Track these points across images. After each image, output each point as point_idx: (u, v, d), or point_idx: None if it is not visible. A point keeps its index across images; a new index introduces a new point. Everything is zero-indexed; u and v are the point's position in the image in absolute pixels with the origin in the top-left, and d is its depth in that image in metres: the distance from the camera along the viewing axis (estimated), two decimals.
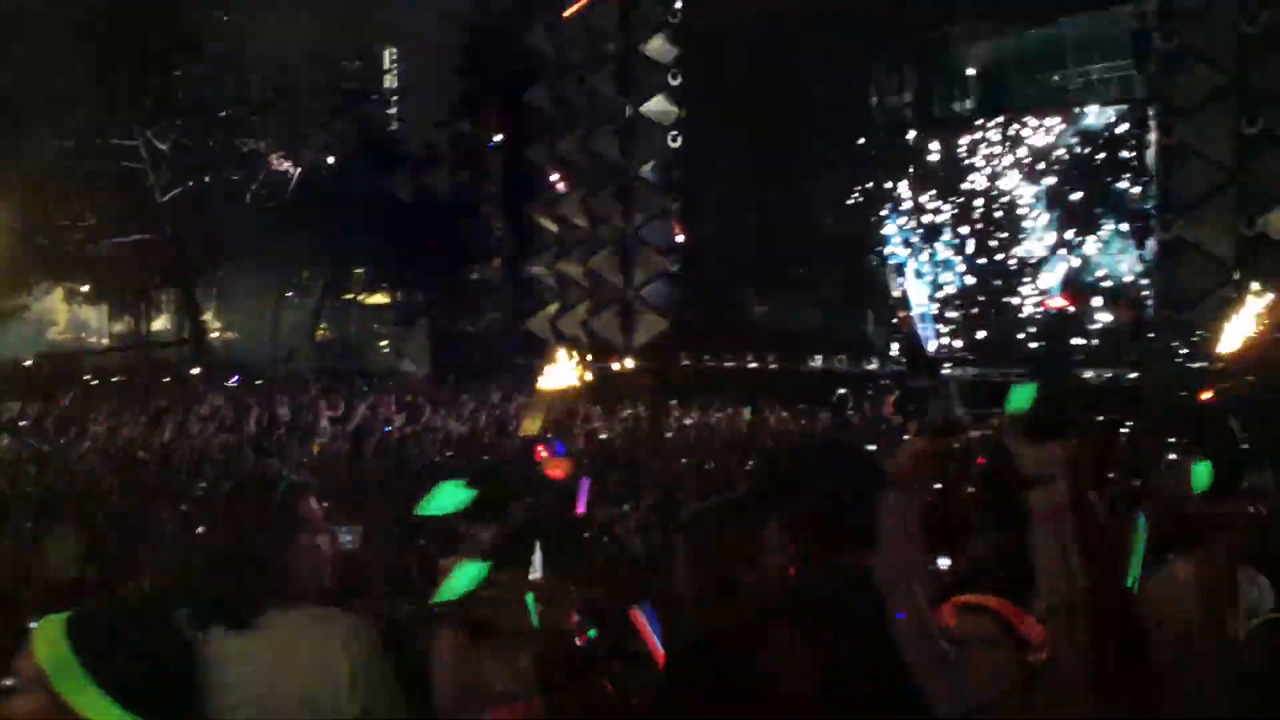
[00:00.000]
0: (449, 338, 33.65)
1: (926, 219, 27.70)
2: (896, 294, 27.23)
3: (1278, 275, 19.76)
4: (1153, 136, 22.01)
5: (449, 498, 3.74)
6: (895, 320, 26.67)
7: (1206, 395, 10.43)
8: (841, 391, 21.18)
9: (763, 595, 3.23)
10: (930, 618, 3.00)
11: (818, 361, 25.95)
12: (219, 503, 3.56)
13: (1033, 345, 25.10)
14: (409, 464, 12.72)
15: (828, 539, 3.14)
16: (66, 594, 7.69)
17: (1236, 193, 20.38)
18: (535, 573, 4.79)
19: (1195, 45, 20.74)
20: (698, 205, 31.18)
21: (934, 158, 27.60)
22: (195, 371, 30.12)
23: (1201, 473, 4.37)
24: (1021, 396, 3.27)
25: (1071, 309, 24.48)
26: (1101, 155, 24.60)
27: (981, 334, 26.46)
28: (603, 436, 15.56)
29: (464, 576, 3.23)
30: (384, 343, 37.58)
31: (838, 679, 2.97)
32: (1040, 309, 25.36)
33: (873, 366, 25.02)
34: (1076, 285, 25.14)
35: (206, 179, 33.94)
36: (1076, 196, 25.05)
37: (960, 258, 27.12)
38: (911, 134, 28.57)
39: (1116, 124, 24.38)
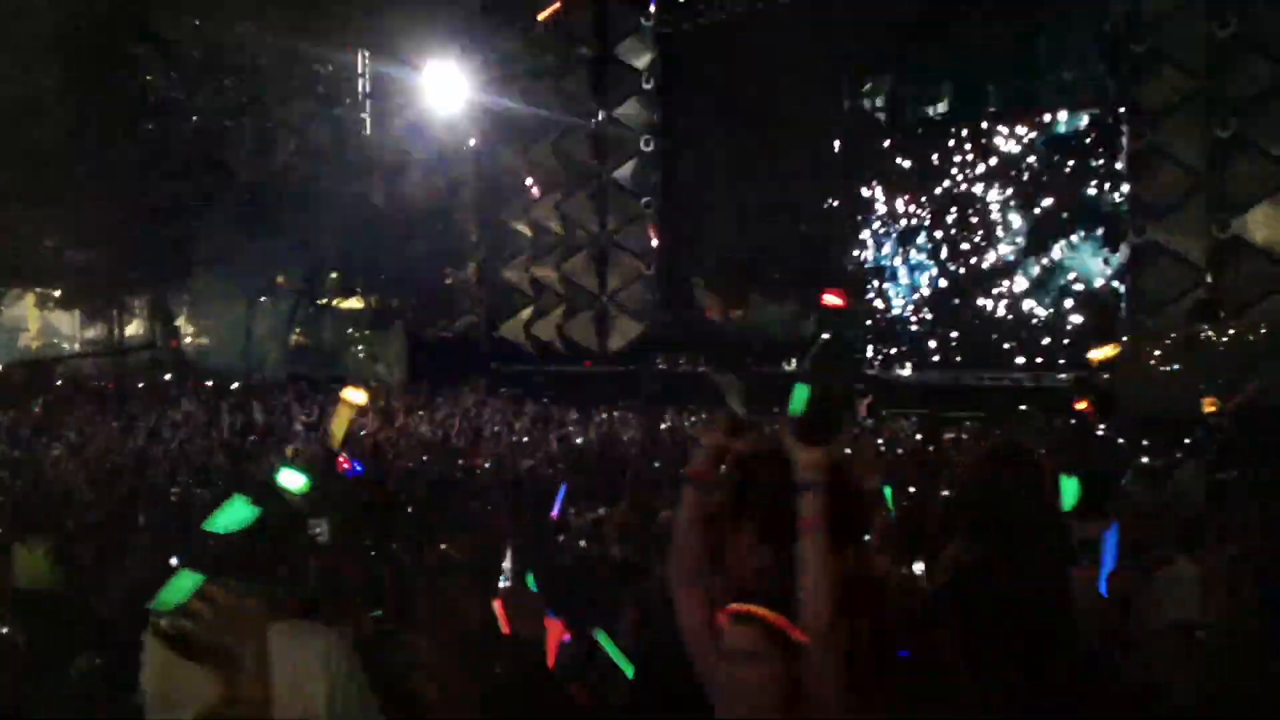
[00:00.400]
0: (423, 342, 33.52)
1: (900, 224, 27.81)
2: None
3: (1249, 279, 19.91)
4: (1124, 141, 22.11)
5: (234, 515, 3.71)
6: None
7: (1081, 406, 10.32)
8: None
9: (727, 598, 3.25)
10: (706, 621, 3.02)
11: (794, 366, 25.92)
12: (201, 510, 3.52)
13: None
14: (383, 469, 12.69)
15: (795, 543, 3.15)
16: (37, 603, 7.67)
17: (1208, 197, 20.48)
18: (504, 581, 4.79)
19: (1166, 50, 20.84)
20: (672, 209, 31.20)
21: (907, 162, 27.69)
22: (168, 377, 30.02)
23: (1070, 490, 4.27)
24: (798, 398, 3.12)
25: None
26: (1073, 160, 24.75)
27: (954, 336, 26.59)
28: (578, 441, 15.57)
29: (175, 587, 3.15)
30: (358, 348, 37.40)
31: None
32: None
33: None
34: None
35: (179, 184, 33.74)
36: (1048, 201, 25.20)
37: (933, 261, 27.24)
38: (885, 140, 28.68)
39: (1088, 128, 24.51)
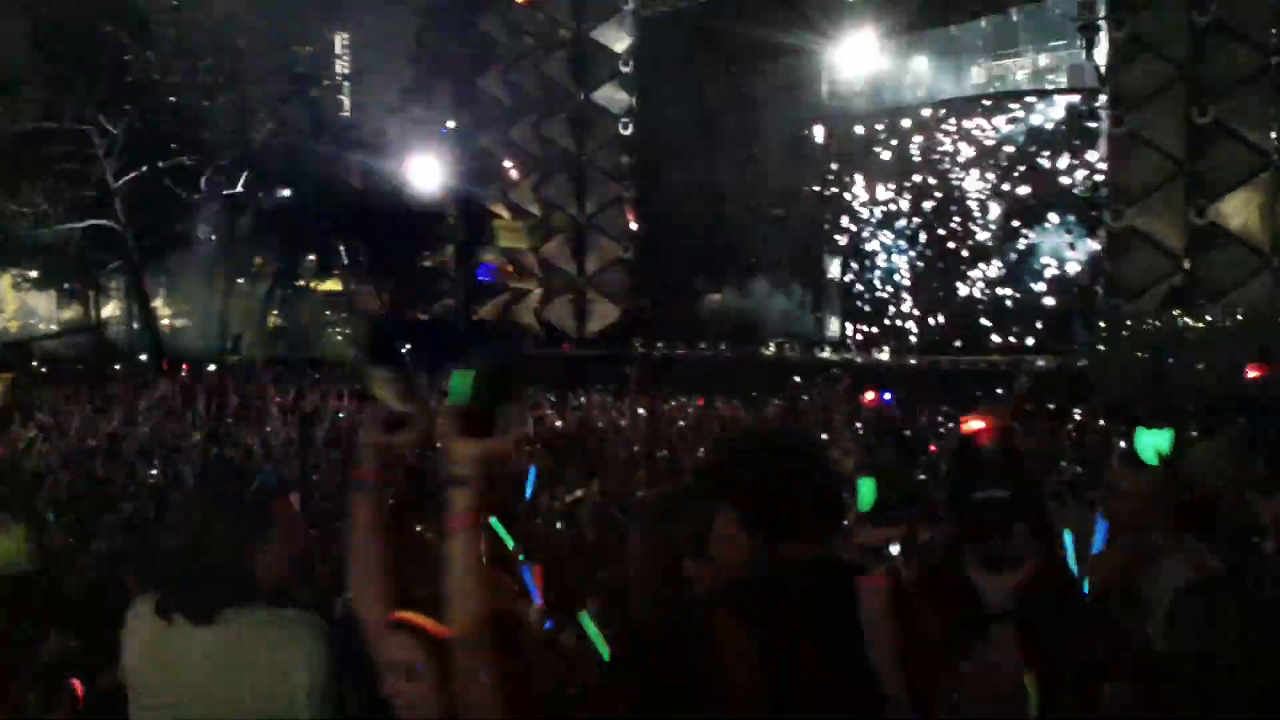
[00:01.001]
0: (402, 325, 33.50)
1: (879, 208, 27.87)
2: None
3: (1227, 265, 19.97)
4: (1103, 126, 22.13)
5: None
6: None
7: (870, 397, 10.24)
8: (795, 379, 21.27)
9: (710, 584, 3.23)
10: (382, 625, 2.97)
11: (770, 350, 25.97)
12: (187, 493, 3.50)
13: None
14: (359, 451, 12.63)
15: (777, 528, 3.14)
16: (11, 586, 7.61)
17: (1186, 183, 20.52)
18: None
19: (1145, 35, 20.86)
20: (651, 193, 31.16)
21: (884, 146, 27.71)
22: (144, 358, 29.92)
23: (866, 492, 4.21)
24: (457, 388, 2.81)
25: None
26: (1052, 146, 24.81)
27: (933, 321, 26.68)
28: (557, 424, 15.53)
29: None
30: (335, 330, 37.34)
31: (783, 668, 2.96)
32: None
33: (825, 355, 25.07)
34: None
35: (158, 164, 33.61)
36: (1024, 187, 25.28)
37: (911, 245, 27.30)
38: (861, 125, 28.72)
39: (1067, 114, 24.55)
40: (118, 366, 26.70)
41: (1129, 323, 19.97)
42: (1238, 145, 20.01)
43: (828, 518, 3.23)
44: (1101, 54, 21.97)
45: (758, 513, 3.13)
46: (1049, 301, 25.01)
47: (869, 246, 28.37)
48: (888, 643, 3.01)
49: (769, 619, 2.97)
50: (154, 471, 11.02)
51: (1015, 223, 25.57)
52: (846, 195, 28.79)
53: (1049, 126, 25.20)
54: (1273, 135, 19.69)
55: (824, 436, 12.37)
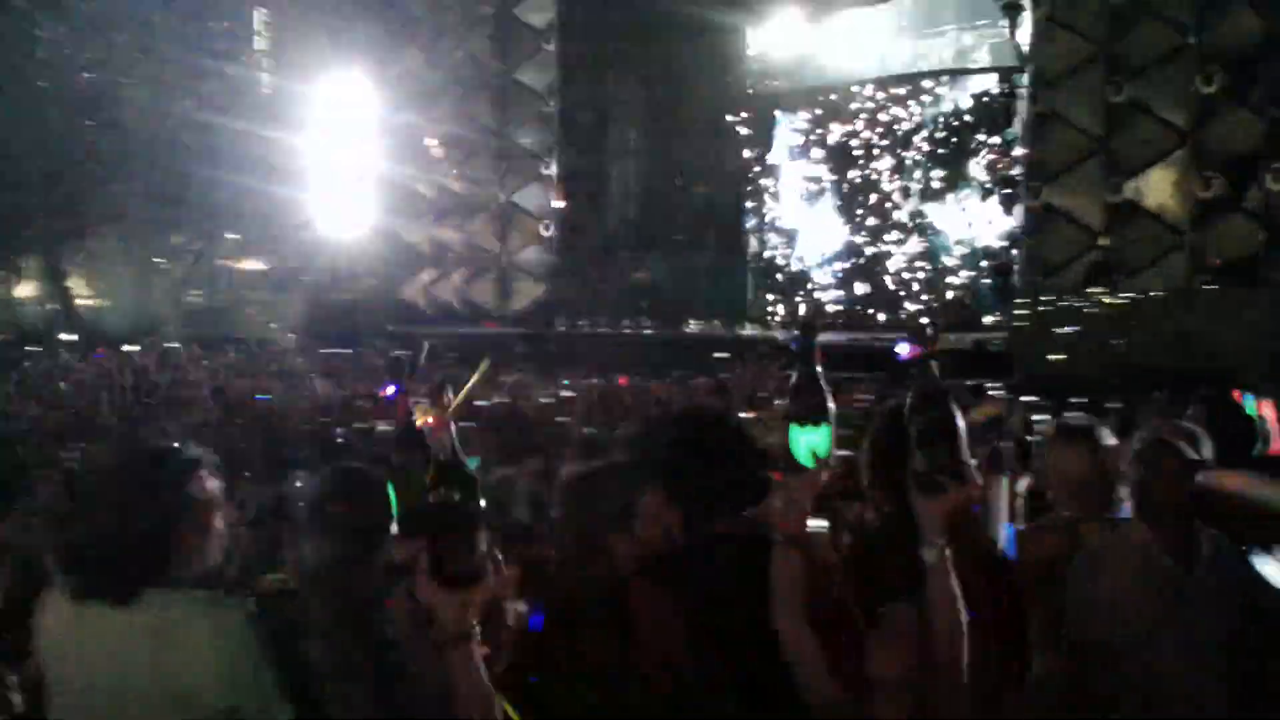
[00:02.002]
0: (323, 304, 33.21)
1: (801, 185, 28.00)
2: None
3: (1143, 242, 20.24)
4: (1022, 104, 22.35)
5: None
6: None
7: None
8: (717, 356, 21.35)
9: (633, 557, 3.26)
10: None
11: (694, 328, 26.03)
12: (102, 473, 3.44)
13: None
14: (281, 432, 12.55)
15: (701, 503, 3.18)
16: None
17: (1104, 160, 20.76)
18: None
19: (1064, 14, 21.06)
20: (574, 171, 31.13)
21: (806, 123, 27.82)
22: (67, 338, 29.51)
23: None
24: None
25: None
26: (972, 123, 25.01)
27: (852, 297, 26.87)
28: (481, 403, 15.48)
29: None
30: (256, 309, 36.97)
31: (699, 636, 3.01)
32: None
33: (749, 332, 25.16)
34: None
35: (72, 141, 33.11)
36: (946, 163, 25.47)
37: (830, 224, 27.46)
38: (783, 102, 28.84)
39: (988, 91, 24.76)
40: (31, 347, 26.31)
41: (1045, 299, 20.22)
42: (1154, 123, 20.26)
43: (748, 493, 3.28)
44: (1024, 33, 22.18)
45: (683, 488, 3.17)
46: (967, 277, 25.23)
47: (789, 224, 28.46)
48: (794, 611, 3.06)
49: (688, 589, 3.02)
50: (74, 456, 10.87)
51: (936, 200, 25.74)
52: (768, 174, 28.87)
53: (969, 105, 25.38)
54: (1188, 114, 19.94)
55: (751, 414, 12.43)
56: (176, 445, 3.41)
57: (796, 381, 3.81)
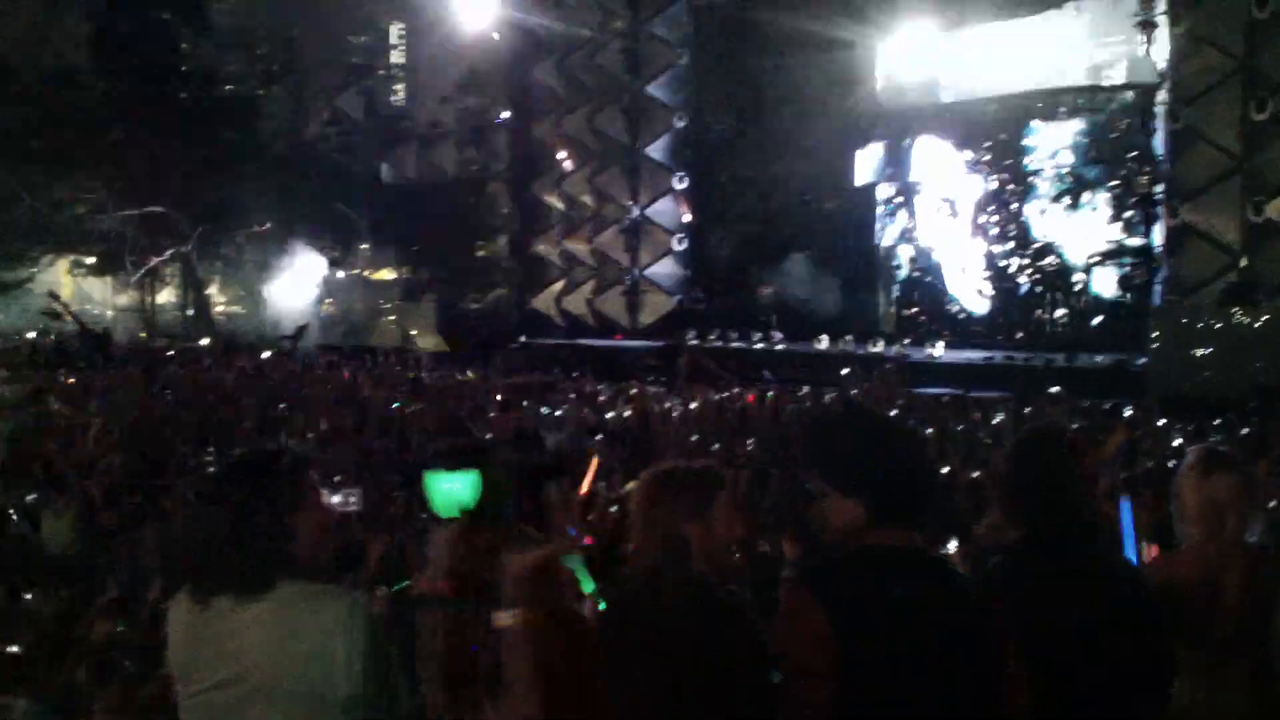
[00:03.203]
0: (455, 315, 33.59)
1: (930, 203, 27.76)
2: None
3: None
4: (1160, 122, 21.97)
5: None
6: None
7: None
8: (845, 371, 21.23)
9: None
10: None
11: (824, 343, 25.88)
12: (223, 476, 3.54)
13: None
14: (411, 440, 12.70)
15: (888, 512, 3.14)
16: (63, 570, 7.70)
17: (1243, 179, 20.34)
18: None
19: (1203, 30, 20.68)
20: (705, 184, 31.21)
21: (940, 138, 27.56)
22: (205, 343, 30.15)
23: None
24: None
25: None
26: (1112, 141, 24.62)
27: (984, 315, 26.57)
28: (609, 415, 15.54)
29: None
30: (389, 319, 37.47)
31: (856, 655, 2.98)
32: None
33: (878, 349, 24.96)
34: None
35: (212, 152, 33.84)
36: (1087, 181, 25.11)
37: (965, 241, 27.17)
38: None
39: (1126, 108, 24.37)
40: (171, 352, 26.90)
41: (1185, 319, 19.83)
42: None
43: (922, 507, 3.25)
44: (1160, 49, 21.80)
45: (868, 495, 3.14)
46: (1107, 295, 24.81)
47: (925, 241, 28.20)
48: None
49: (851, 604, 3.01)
50: (209, 458, 11.09)
51: (1076, 218, 25.35)
52: (902, 189, 28.65)
53: (1107, 122, 24.98)
54: None
55: None
56: (286, 447, 3.51)
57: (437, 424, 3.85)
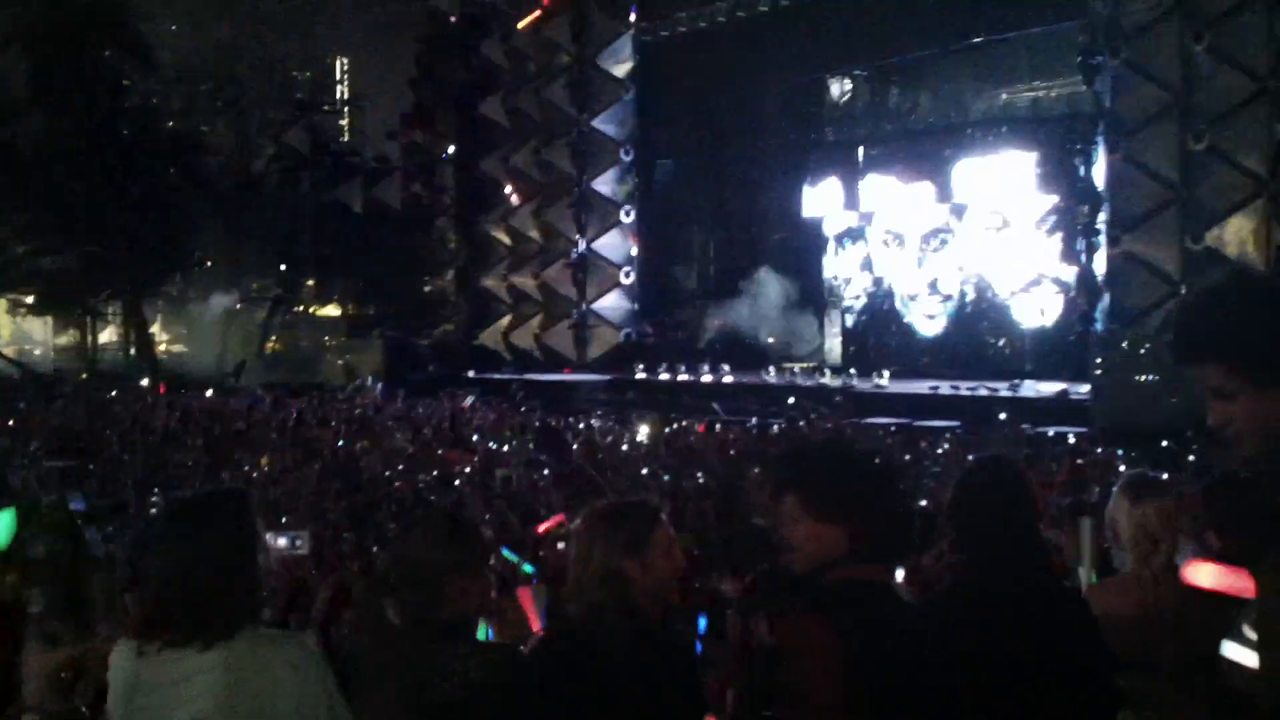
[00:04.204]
0: (402, 350, 33.47)
1: (883, 233, 27.91)
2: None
3: None
4: (1101, 153, 22.18)
5: None
6: None
7: None
8: (791, 401, 21.30)
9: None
10: None
11: (771, 375, 25.96)
12: (167, 519, 3.50)
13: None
14: (359, 478, 12.64)
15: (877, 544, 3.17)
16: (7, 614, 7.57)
17: (1182, 209, 20.55)
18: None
19: (1141, 63, 20.91)
20: (652, 218, 31.28)
21: (887, 171, 27.73)
22: (145, 383, 29.90)
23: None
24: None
25: None
26: (1053, 170, 24.84)
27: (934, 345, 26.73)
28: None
29: None
30: (338, 357, 37.33)
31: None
32: None
33: (826, 380, 25.06)
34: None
35: (155, 189, 33.63)
36: (1028, 211, 25.32)
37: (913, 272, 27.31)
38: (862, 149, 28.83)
39: (1066, 139, 24.60)
40: (114, 392, 26.67)
41: (1127, 348, 20.03)
42: (1233, 171, 20.04)
43: (904, 543, 3.29)
44: (1100, 82, 22.04)
45: (853, 525, 3.16)
46: (1051, 325, 25.02)
47: (874, 272, 28.33)
48: None
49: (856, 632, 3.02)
50: (155, 500, 10.99)
51: (1016, 248, 25.57)
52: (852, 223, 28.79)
53: (1049, 153, 25.20)
54: (1267, 161, 19.71)
55: None
56: (231, 488, 3.48)
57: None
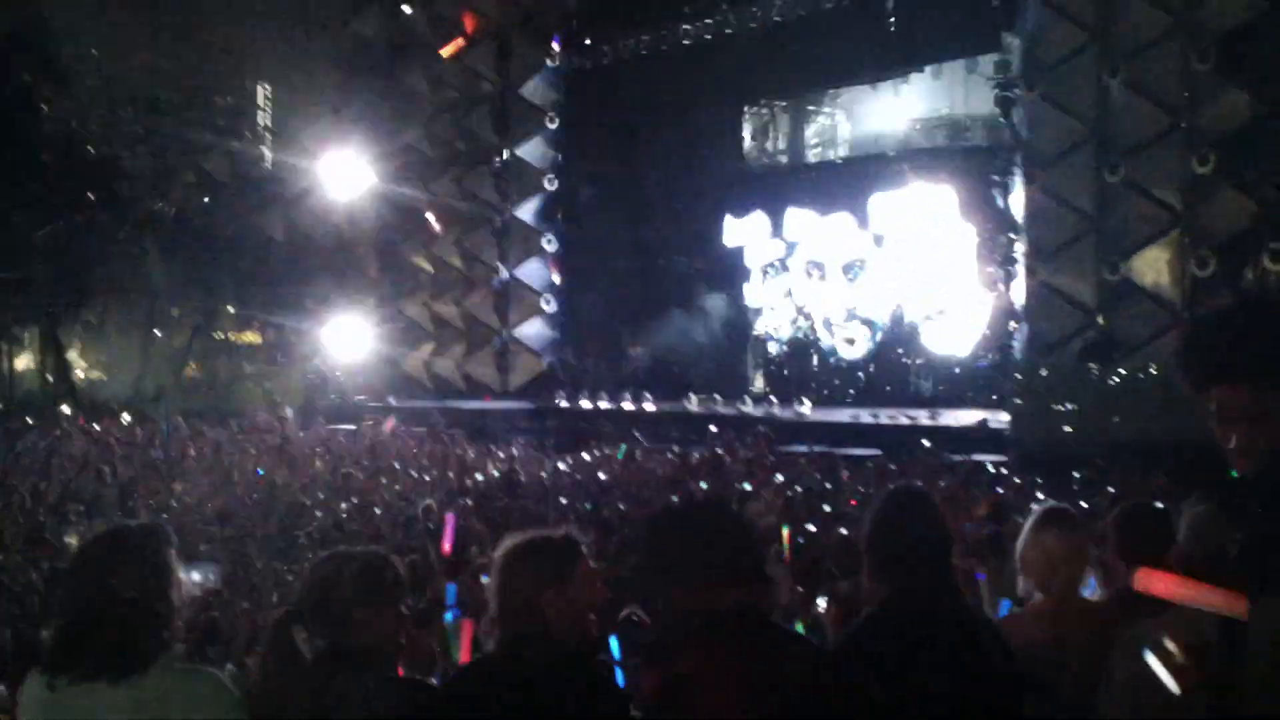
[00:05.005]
0: (322, 378, 33.21)
1: (794, 262, 28.07)
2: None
3: (1139, 320, 20.29)
4: (1018, 184, 22.47)
5: None
6: None
7: None
8: (713, 429, 21.35)
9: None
10: None
11: (693, 403, 26.01)
12: (81, 552, 3.47)
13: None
14: (278, 507, 12.55)
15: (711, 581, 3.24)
16: None
17: (1098, 240, 20.85)
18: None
19: (1057, 96, 21.24)
20: (574, 246, 31.35)
21: (807, 201, 27.89)
22: (65, 410, 29.47)
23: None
24: None
25: None
26: (972, 200, 25.09)
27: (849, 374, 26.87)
28: (479, 477, 15.48)
29: None
30: (261, 384, 36.94)
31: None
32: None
33: (747, 408, 25.14)
34: None
35: (74, 214, 33.20)
36: (945, 242, 25.55)
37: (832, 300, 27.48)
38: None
39: (984, 172, 24.86)
40: (29, 419, 26.30)
41: (1045, 377, 20.28)
42: (1148, 202, 20.36)
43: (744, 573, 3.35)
44: (1018, 116, 22.36)
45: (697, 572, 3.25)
46: (970, 354, 25.25)
47: (795, 301, 28.47)
48: None
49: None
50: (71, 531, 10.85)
51: (934, 277, 25.80)
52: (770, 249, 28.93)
53: (967, 183, 25.46)
54: (1182, 193, 20.04)
55: (747, 487, 12.47)
56: (147, 522, 3.46)
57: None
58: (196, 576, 4.42)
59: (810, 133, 30.97)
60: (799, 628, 5.51)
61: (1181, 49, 19.89)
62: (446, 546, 7.55)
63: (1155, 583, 3.15)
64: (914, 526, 3.82)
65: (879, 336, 26.64)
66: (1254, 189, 19.58)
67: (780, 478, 13.81)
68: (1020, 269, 22.54)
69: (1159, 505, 4.64)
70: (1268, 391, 2.74)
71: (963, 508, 10.16)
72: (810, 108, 29.83)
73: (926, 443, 18.17)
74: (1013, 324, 23.17)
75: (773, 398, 25.96)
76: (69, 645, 3.18)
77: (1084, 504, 10.79)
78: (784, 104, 30.39)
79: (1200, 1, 19.92)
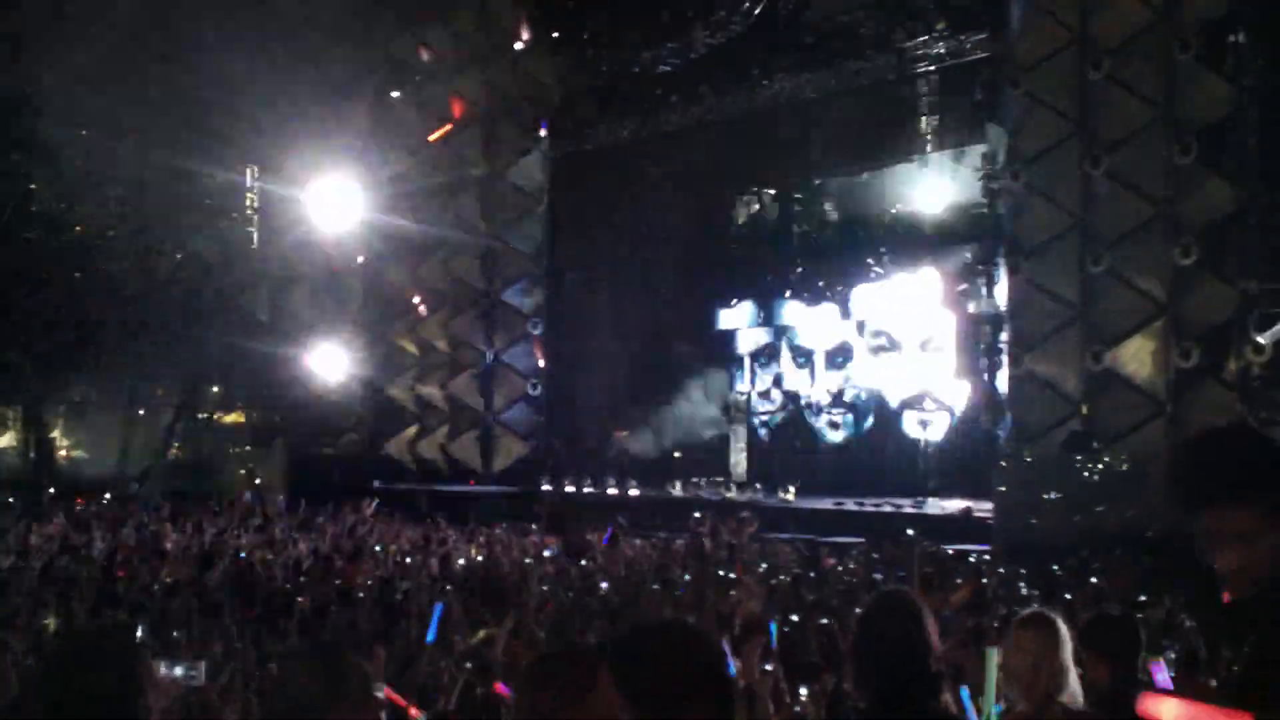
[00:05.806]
0: (306, 459, 33.12)
1: (782, 348, 28.14)
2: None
3: (1122, 410, 20.32)
4: (1002, 274, 22.59)
5: None
6: None
7: None
8: (697, 515, 21.28)
9: None
10: None
11: (678, 489, 25.97)
12: (54, 655, 3.41)
13: None
14: (259, 590, 12.44)
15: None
16: None
17: (1082, 329, 20.91)
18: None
19: (1040, 186, 21.38)
20: (560, 329, 31.40)
21: (794, 288, 28.02)
22: (51, 491, 29.32)
23: None
24: None
25: None
26: (955, 292, 25.21)
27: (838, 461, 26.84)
28: (460, 561, 15.38)
29: None
30: (240, 465, 36.83)
31: None
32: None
33: (732, 494, 25.11)
34: None
35: (60, 294, 33.18)
36: (929, 329, 25.64)
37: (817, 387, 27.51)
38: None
39: (970, 260, 25.01)
40: (10, 500, 26.15)
41: (1029, 467, 20.30)
42: (1132, 293, 20.46)
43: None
44: (1003, 205, 22.52)
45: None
46: (955, 443, 25.27)
47: (783, 388, 28.51)
48: None
49: None
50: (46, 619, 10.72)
51: (918, 366, 25.86)
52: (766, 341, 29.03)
53: (953, 273, 25.57)
54: (1165, 284, 20.14)
55: (730, 575, 12.39)
56: (121, 621, 3.42)
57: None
58: (179, 672, 4.34)
59: (797, 219, 31.17)
60: None
61: (1163, 140, 20.07)
62: (431, 635, 7.49)
63: (1161, 708, 3.11)
64: (898, 634, 3.82)
65: (865, 424, 26.66)
66: (1236, 280, 19.71)
67: (764, 566, 13.75)
68: (1004, 358, 22.60)
69: (1118, 613, 4.67)
70: (1259, 514, 2.73)
71: (944, 597, 10.11)
72: (797, 195, 29.99)
73: (910, 531, 18.10)
74: (994, 414, 23.21)
75: (758, 484, 25.93)
76: None
77: (1067, 595, 10.78)
78: (771, 191, 30.56)
79: (1182, 94, 20.13)
